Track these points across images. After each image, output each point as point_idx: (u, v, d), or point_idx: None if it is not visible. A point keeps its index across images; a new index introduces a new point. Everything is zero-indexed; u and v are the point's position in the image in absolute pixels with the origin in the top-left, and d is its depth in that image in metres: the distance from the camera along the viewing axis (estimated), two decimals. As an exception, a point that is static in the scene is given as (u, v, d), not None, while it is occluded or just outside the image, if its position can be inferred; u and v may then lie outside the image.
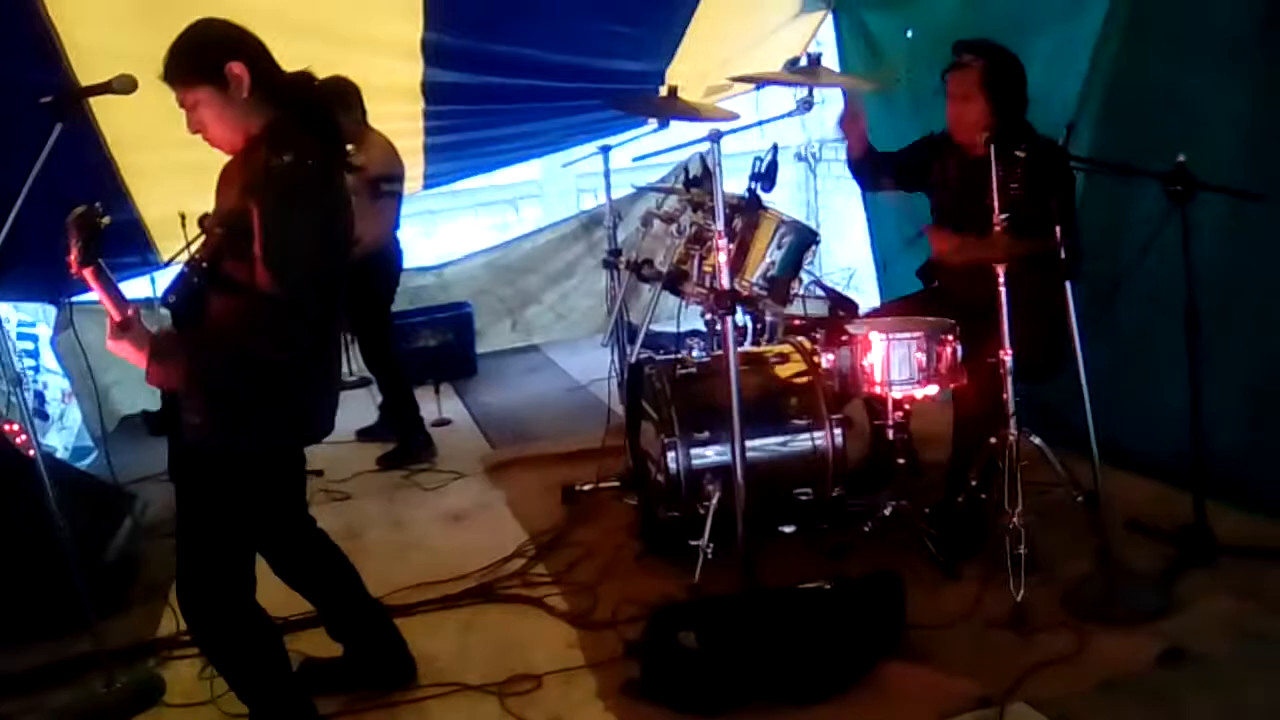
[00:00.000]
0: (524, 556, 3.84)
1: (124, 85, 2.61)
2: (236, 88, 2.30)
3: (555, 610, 3.41)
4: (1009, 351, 3.12)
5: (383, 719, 2.89)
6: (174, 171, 4.31)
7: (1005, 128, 3.35)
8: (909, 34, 5.11)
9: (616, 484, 4.29)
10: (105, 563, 3.81)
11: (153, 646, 3.43)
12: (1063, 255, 3.07)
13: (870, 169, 4.05)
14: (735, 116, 3.63)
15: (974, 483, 3.30)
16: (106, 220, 2.32)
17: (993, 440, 3.21)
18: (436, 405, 5.86)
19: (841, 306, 3.74)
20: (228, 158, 2.44)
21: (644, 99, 4.89)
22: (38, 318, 5.83)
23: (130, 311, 2.29)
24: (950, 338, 3.33)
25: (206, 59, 2.30)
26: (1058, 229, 3.06)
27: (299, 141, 2.31)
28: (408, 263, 5.56)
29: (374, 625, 3.01)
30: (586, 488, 4.31)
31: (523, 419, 5.83)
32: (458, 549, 4.00)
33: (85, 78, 3.84)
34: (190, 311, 2.34)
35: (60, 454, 5.48)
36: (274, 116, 2.36)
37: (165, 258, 5.61)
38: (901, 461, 3.45)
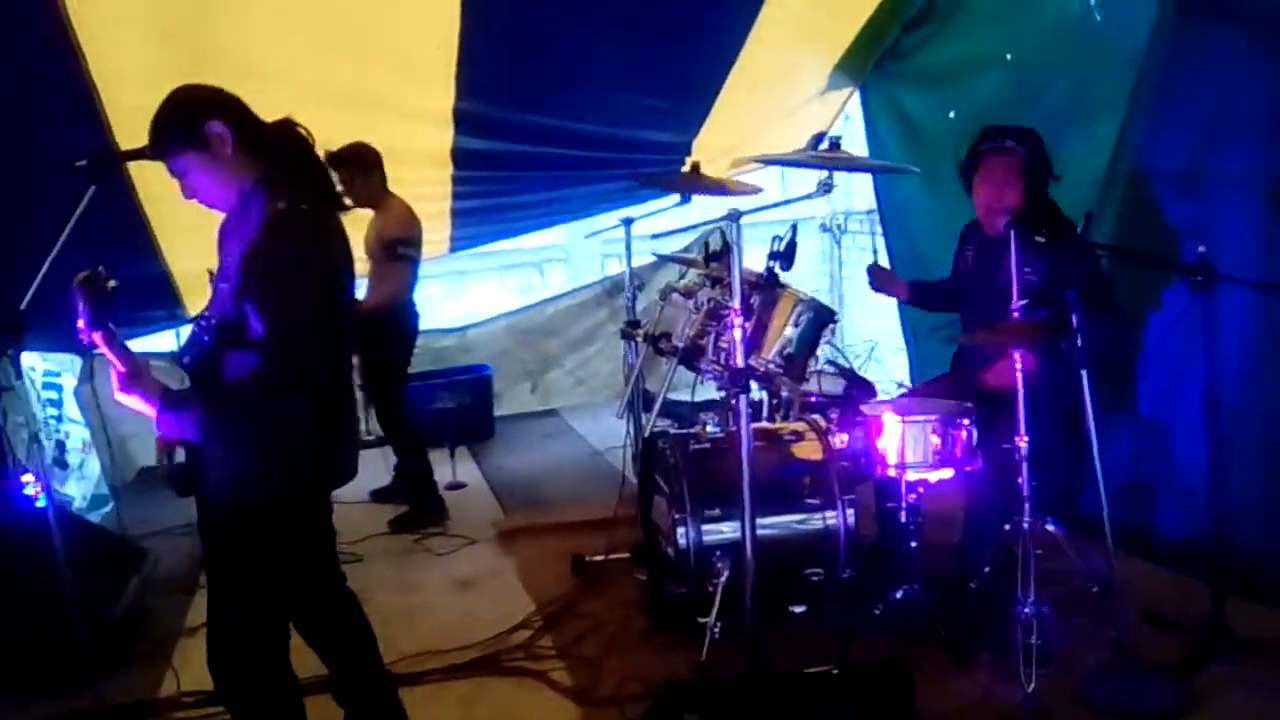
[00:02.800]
0: (530, 628, 3.81)
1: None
2: (220, 147, 2.32)
3: (559, 685, 3.37)
4: (1025, 438, 3.08)
5: (379, 793, 2.85)
6: (203, 228, 4.36)
7: (1028, 212, 3.36)
8: (951, 115, 5.14)
9: (627, 556, 4.25)
10: (112, 619, 3.80)
11: (154, 707, 3.42)
12: (1079, 343, 3.06)
13: (926, 304, 4.13)
14: (758, 190, 3.66)
15: (988, 569, 3.25)
16: (113, 284, 2.35)
17: (1007, 527, 3.18)
18: (451, 468, 5.86)
19: (857, 387, 3.72)
20: None
21: (667, 176, 4.93)
22: (64, 368, 5.89)
23: (140, 363, 2.30)
24: (966, 421, 3.31)
25: (185, 125, 2.33)
26: (1075, 317, 3.04)
27: (291, 189, 2.34)
28: (433, 323, 5.60)
29: (381, 695, 2.97)
30: (597, 559, 4.28)
31: (538, 484, 5.81)
32: (465, 617, 3.97)
33: (124, 137, 3.93)
34: (205, 368, 2.37)
35: (78, 503, 5.52)
36: (263, 169, 2.38)
37: (192, 312, 5.67)
38: (913, 545, 3.40)
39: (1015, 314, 3.09)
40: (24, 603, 3.59)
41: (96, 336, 2.27)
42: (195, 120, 2.32)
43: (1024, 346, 3.06)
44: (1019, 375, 3.05)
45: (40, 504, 4.11)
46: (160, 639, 3.94)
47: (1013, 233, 3.12)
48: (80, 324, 2.31)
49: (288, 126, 2.45)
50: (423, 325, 5.31)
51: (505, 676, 3.49)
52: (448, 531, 5.03)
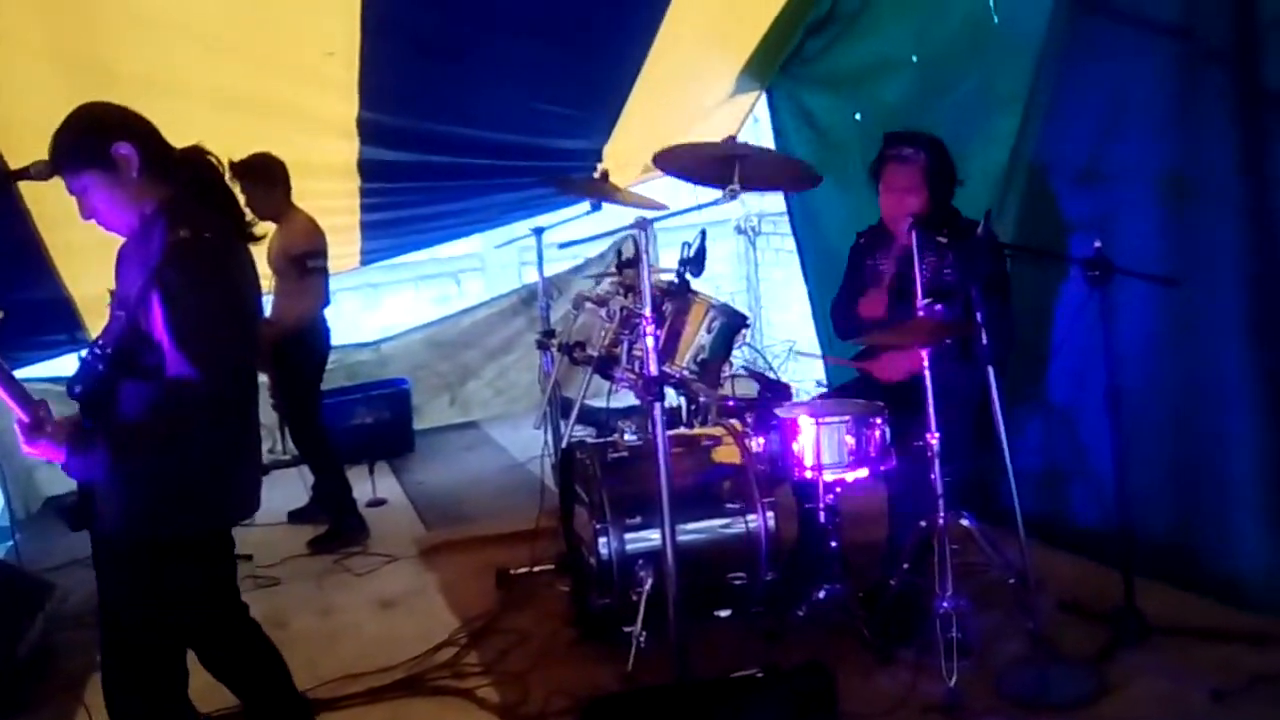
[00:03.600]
0: (455, 645, 3.76)
1: (40, 171, 2.58)
2: (126, 168, 2.25)
3: (486, 703, 3.33)
4: (935, 435, 3.12)
5: (302, 823, 2.79)
6: (102, 249, 4.23)
7: (931, 214, 3.42)
8: (858, 117, 5.19)
9: (551, 567, 4.22)
10: (18, 657, 3.67)
11: (63, 749, 3.30)
12: (984, 340, 3.11)
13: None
14: (663, 207, 3.68)
15: (906, 566, 3.29)
16: (1, 315, 2.26)
17: (923, 523, 3.22)
18: (371, 485, 5.76)
19: (772, 389, 3.74)
20: None
21: (577, 180, 4.91)
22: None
23: (41, 411, 2.22)
24: (879, 420, 3.34)
25: (92, 143, 2.26)
26: (979, 314, 3.09)
27: (195, 216, 2.28)
28: (348, 337, 5.50)
29: (297, 722, 2.91)
30: (520, 571, 4.24)
31: (459, 498, 5.75)
32: (387, 637, 3.90)
33: (13, 155, 3.79)
34: (98, 400, 2.28)
35: (-21, 538, 5.32)
36: (167, 193, 2.32)
37: (94, 336, 5.51)
38: (834, 545, 3.43)
39: (920, 312, 3.14)
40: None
41: None
42: (101, 140, 2.24)
43: (927, 345, 3.10)
44: (926, 373, 3.09)
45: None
46: (70, 676, 3.80)
47: (914, 234, 3.18)
48: None
49: (197, 153, 2.39)
50: (337, 340, 5.23)
51: (430, 696, 3.43)
52: (368, 550, 4.94)
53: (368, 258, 6.52)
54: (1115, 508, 3.32)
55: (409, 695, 3.45)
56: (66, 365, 5.57)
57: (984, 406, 3.31)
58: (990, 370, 3.16)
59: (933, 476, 3.14)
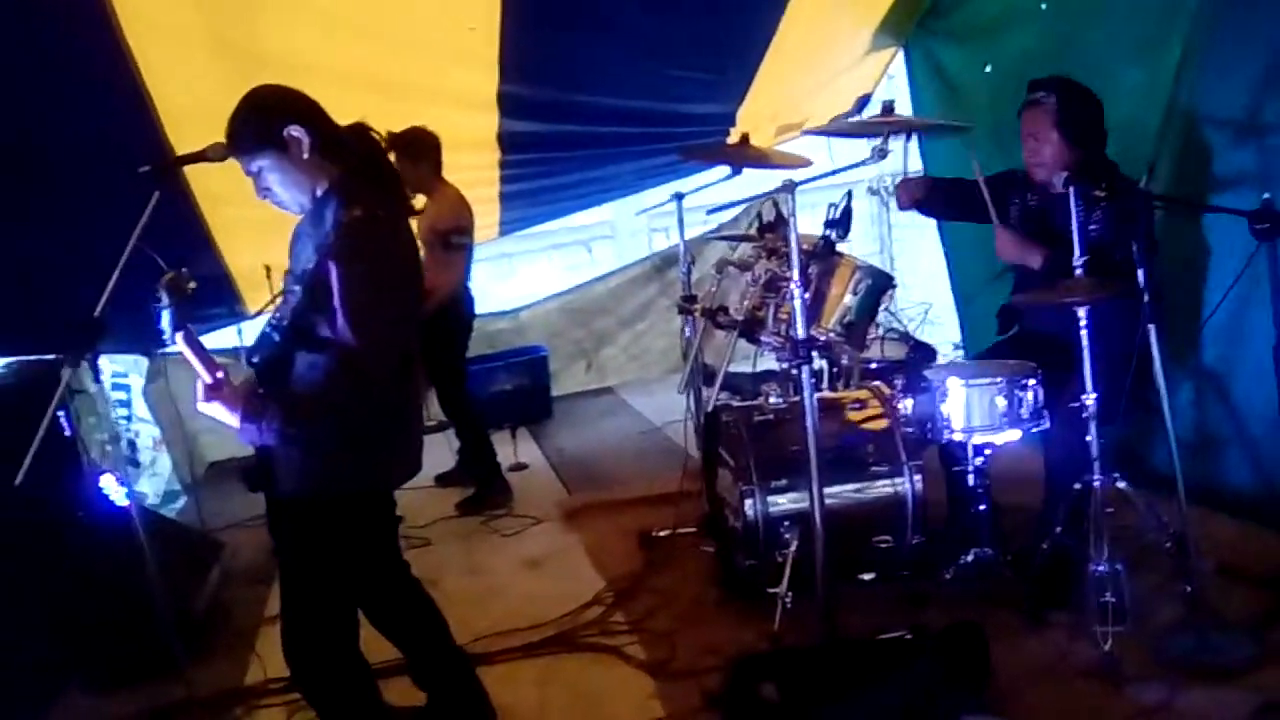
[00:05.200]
0: (602, 604, 3.85)
1: (217, 154, 2.73)
2: (297, 150, 2.35)
3: (634, 660, 3.41)
4: (1092, 395, 3.05)
5: (465, 770, 2.91)
6: (259, 226, 4.44)
7: (1085, 166, 3.31)
8: (988, 69, 5.07)
9: (694, 530, 4.28)
10: (195, 611, 3.90)
11: (240, 695, 3.50)
12: (1146, 298, 3.01)
13: (932, 207, 4.07)
14: (808, 163, 3.64)
15: (1059, 529, 3.23)
16: (193, 285, 2.40)
17: (1077, 486, 3.15)
18: (513, 449, 5.92)
19: (919, 351, 3.70)
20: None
21: (716, 148, 4.91)
22: (130, 368, 6.02)
23: (220, 373, 2.35)
24: (1032, 382, 3.28)
25: (265, 126, 2.36)
26: (1141, 272, 3.00)
27: (366, 195, 2.37)
28: (484, 307, 5.63)
29: (458, 675, 3.03)
30: (663, 533, 4.31)
31: (598, 462, 5.86)
32: (536, 596, 4.02)
33: (177, 139, 4.00)
34: (274, 370, 2.41)
35: (151, 500, 5.65)
36: (338, 173, 2.41)
37: (252, 309, 5.78)
38: (983, 508, 3.39)
39: (1079, 270, 3.05)
40: (110, 598, 3.70)
41: (178, 337, 2.33)
42: (275, 122, 2.35)
43: (1085, 303, 3.02)
44: (1084, 333, 3.02)
45: (121, 502, 4.23)
46: (242, 629, 4.04)
47: (1073, 188, 3.07)
48: (164, 325, 2.37)
49: (362, 130, 2.48)
50: (475, 309, 5.36)
51: (580, 653, 3.53)
52: (513, 512, 5.09)
53: (506, 228, 6.65)
54: (1277, 468, 3.19)
55: (560, 651, 3.55)
56: (226, 338, 5.86)
57: (1140, 366, 3.21)
58: (1151, 329, 3.06)
59: (1088, 438, 3.07)
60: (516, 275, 8.75)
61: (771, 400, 3.63)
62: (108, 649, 3.69)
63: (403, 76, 4.57)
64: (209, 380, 2.32)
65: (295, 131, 2.35)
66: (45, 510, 3.93)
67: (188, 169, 4.34)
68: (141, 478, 5.79)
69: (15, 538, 3.91)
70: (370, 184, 2.41)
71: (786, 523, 3.42)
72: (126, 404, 5.98)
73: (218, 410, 2.31)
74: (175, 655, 3.25)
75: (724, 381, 3.62)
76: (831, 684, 2.81)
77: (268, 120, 2.36)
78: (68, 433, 4.25)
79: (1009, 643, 3.08)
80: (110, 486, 4.31)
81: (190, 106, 3.91)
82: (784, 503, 3.46)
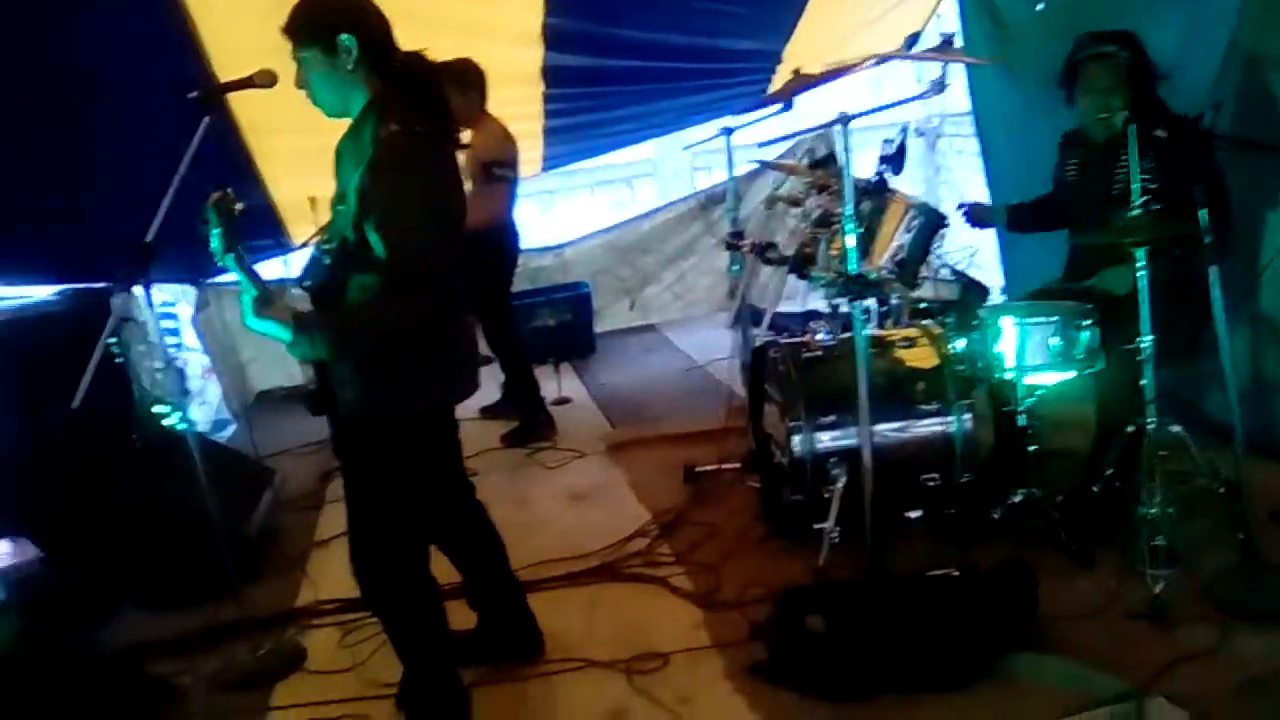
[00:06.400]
0: (646, 536, 3.88)
1: (265, 80, 2.74)
2: (344, 59, 2.36)
3: (680, 590, 3.44)
4: (1149, 337, 3.01)
5: (514, 692, 2.96)
6: (304, 157, 4.45)
7: (1143, 108, 3.26)
8: (1040, 7, 4.95)
9: (738, 466, 4.29)
10: (247, 534, 3.98)
11: (293, 615, 3.58)
12: (1207, 240, 2.96)
13: (1021, 227, 4.08)
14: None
15: (1110, 471, 3.22)
16: (241, 206, 2.41)
17: (1130, 428, 3.13)
18: (557, 384, 5.95)
19: (972, 289, 3.66)
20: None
21: (765, 81, 4.86)
22: (178, 297, 6.09)
23: (270, 290, 2.37)
24: (1087, 322, 3.25)
25: (319, 26, 2.36)
26: (1204, 213, 2.94)
27: (405, 113, 2.36)
28: (527, 243, 5.63)
29: (510, 598, 3.09)
30: (708, 469, 4.33)
31: (641, 398, 5.87)
32: (580, 527, 4.06)
33: (222, 70, 4.00)
34: (327, 293, 2.43)
35: (201, 428, 5.74)
36: (379, 89, 2.41)
37: (297, 241, 5.81)
38: (1032, 449, 3.38)
39: (1137, 211, 3.00)
40: (166, 522, 3.78)
41: (229, 258, 2.35)
42: (329, 25, 2.35)
43: (1144, 245, 2.97)
44: (1142, 275, 2.97)
45: (175, 429, 4.31)
46: (293, 552, 4.13)
47: (1132, 129, 3.02)
48: (213, 246, 2.38)
49: (416, 58, 2.47)
50: (520, 245, 5.35)
51: (625, 583, 3.57)
52: (557, 445, 5.14)
53: (549, 163, 6.62)
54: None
55: (606, 580, 3.60)
56: (272, 270, 5.90)
57: (1198, 310, 3.16)
58: (1213, 271, 3.01)
59: (1143, 381, 3.04)
60: (559, 212, 8.73)
61: (819, 337, 3.61)
62: (163, 570, 3.78)
63: (448, 9, 4.53)
64: (257, 295, 2.34)
65: (345, 39, 2.35)
66: (101, 435, 4.02)
67: (231, 101, 4.40)
68: (191, 406, 5.88)
69: (73, 462, 4.01)
70: (412, 104, 2.40)
71: (834, 458, 3.42)
72: (175, 333, 6.05)
73: (268, 326, 2.33)
74: (229, 576, 3.34)
75: (770, 322, 3.63)
76: (878, 618, 2.83)
77: (323, 21, 2.37)
78: (119, 360, 4.35)
79: (1057, 583, 3.07)
80: (163, 413, 4.41)
81: (234, 35, 3.91)
82: (832, 439, 3.46)
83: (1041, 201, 3.99)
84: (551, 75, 5.35)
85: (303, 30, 2.38)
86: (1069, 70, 3.57)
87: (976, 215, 4.01)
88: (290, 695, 3.09)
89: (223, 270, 2.42)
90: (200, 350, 6.08)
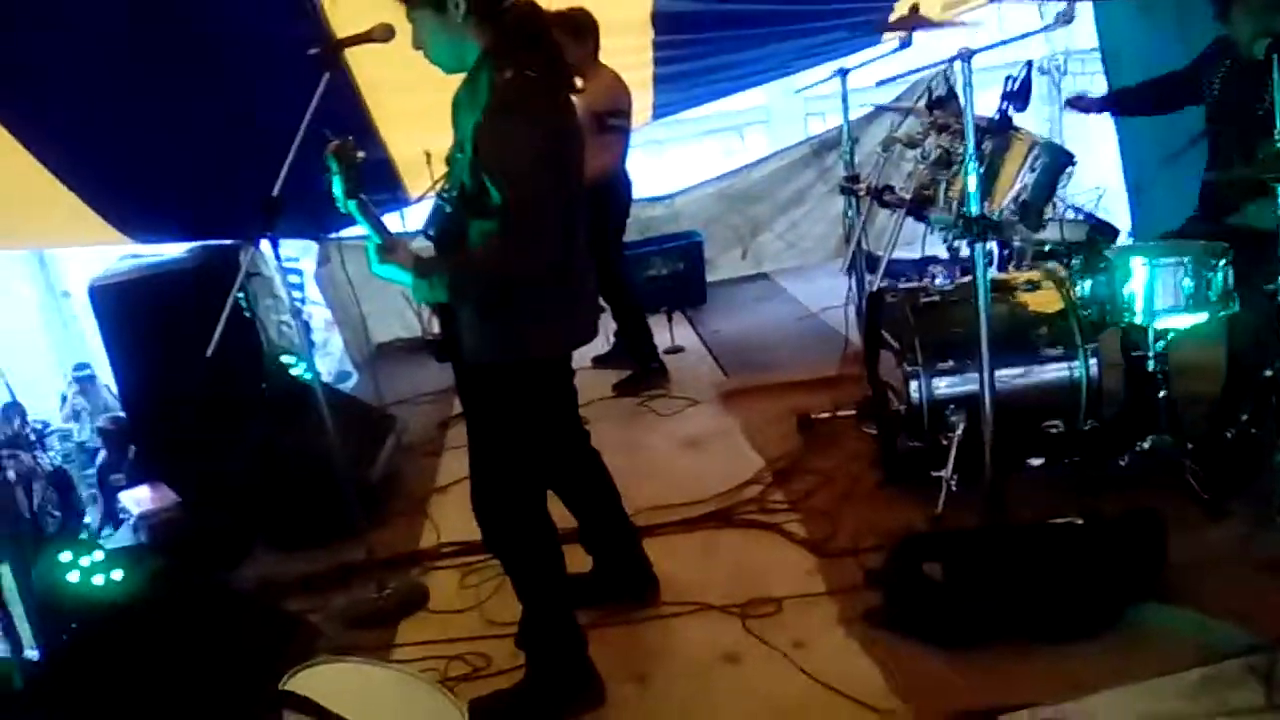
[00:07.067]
0: (761, 483, 3.88)
1: (383, 34, 2.78)
2: (453, 13, 2.37)
3: (794, 537, 3.44)
4: (1287, 276, 2.87)
5: (629, 634, 3.01)
6: (420, 113, 4.50)
7: None
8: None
9: (853, 413, 4.25)
10: (372, 479, 4.11)
11: (416, 557, 3.70)
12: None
13: (1126, 110, 4.00)
14: (980, 24, 3.48)
15: (1245, 417, 3.08)
16: (362, 154, 2.45)
17: (1268, 374, 2.99)
18: (669, 333, 5.96)
19: (1100, 231, 3.53)
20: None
21: (883, 21, 4.72)
22: (301, 253, 6.27)
23: (392, 238, 2.45)
24: (1221, 262, 3.10)
25: None
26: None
27: (518, 59, 2.36)
28: (638, 193, 5.61)
29: (625, 542, 3.13)
30: (822, 416, 4.29)
31: (754, 347, 5.84)
32: (694, 474, 4.08)
33: (339, 26, 4.05)
34: (450, 240, 2.47)
35: (325, 379, 5.92)
36: (491, 39, 2.41)
37: (414, 195, 5.90)
38: (1162, 394, 3.25)
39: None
40: (294, 467, 3.93)
41: (352, 205, 2.40)
42: None
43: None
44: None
45: (301, 379, 4.46)
46: (415, 496, 4.26)
47: (1275, 56, 2.84)
48: (335, 193, 2.44)
49: (529, 4, 2.47)
50: (633, 194, 5.34)
51: (740, 529, 3.58)
52: (670, 394, 5.15)
53: (659, 111, 6.55)
54: None
55: (720, 526, 3.61)
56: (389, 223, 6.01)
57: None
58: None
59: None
60: (669, 161, 8.69)
61: (937, 282, 3.53)
62: (293, 513, 3.93)
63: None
64: (380, 241, 2.40)
65: None
66: (232, 387, 4.18)
67: (349, 58, 4.47)
68: (316, 357, 6.07)
69: (207, 412, 4.18)
70: (526, 50, 2.41)
71: (952, 405, 3.36)
72: (300, 287, 6.24)
73: (392, 270, 2.41)
74: (354, 519, 3.45)
75: (886, 268, 3.55)
76: (998, 567, 2.78)
77: None
78: (247, 313, 4.51)
79: (1187, 533, 2.96)
80: (290, 364, 4.56)
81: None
82: (950, 385, 3.40)
83: (1162, 82, 3.86)
84: (661, 21, 5.27)
85: None
86: None
87: (1076, 104, 4.01)
88: (414, 633, 3.20)
89: (344, 225, 2.48)
90: (323, 304, 6.27)
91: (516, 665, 2.79)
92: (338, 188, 2.44)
